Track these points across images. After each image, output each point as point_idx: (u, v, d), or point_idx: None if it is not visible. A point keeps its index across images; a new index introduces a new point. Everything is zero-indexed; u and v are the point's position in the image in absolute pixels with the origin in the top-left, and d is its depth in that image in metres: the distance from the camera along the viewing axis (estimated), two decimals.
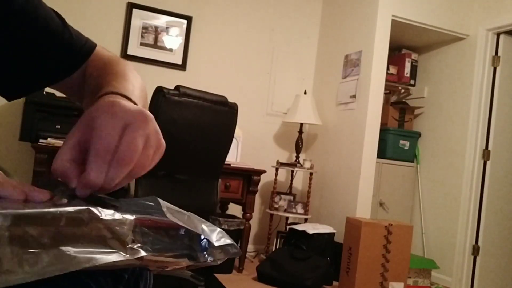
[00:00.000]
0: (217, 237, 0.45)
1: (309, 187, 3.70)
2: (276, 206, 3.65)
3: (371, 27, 3.46)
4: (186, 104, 2.24)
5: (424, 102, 4.05)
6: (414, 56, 4.09)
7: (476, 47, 3.58)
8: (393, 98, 4.22)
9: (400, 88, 4.16)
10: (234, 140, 2.93)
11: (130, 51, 3.56)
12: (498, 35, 3.54)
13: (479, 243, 3.47)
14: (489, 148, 3.51)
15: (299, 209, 3.61)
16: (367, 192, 3.41)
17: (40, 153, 2.62)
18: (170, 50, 3.69)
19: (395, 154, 3.91)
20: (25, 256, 0.31)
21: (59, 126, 2.88)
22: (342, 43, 3.82)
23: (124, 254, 0.36)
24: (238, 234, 3.20)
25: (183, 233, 0.42)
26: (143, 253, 0.38)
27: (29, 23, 0.61)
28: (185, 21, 3.72)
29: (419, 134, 4.03)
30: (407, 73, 4.06)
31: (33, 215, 0.33)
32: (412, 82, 4.10)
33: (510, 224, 3.57)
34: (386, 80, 3.58)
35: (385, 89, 3.62)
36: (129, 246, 0.37)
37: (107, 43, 3.50)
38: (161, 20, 3.65)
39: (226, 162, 2.62)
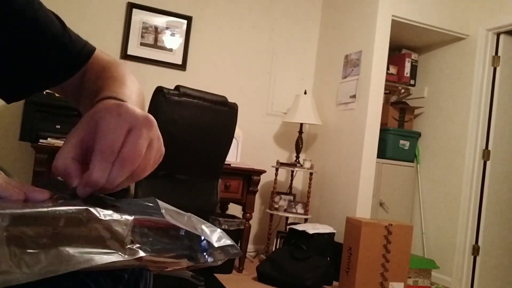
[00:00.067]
0: (217, 237, 0.45)
1: (309, 187, 3.70)
2: (276, 206, 3.65)
3: (371, 27, 3.46)
4: (186, 104, 2.24)
5: (424, 102, 4.05)
6: (414, 56, 4.09)
7: (476, 47, 3.58)
8: (393, 98, 4.22)
9: (400, 88, 4.16)
10: (234, 140, 2.93)
11: (130, 51, 3.56)
12: (498, 35, 3.54)
13: (479, 243, 3.47)
14: (489, 148, 3.51)
15: (299, 209, 3.61)
16: (367, 192, 3.41)
17: (40, 153, 2.62)
18: (170, 50, 3.69)
19: (395, 154, 3.91)
20: (23, 256, 0.31)
21: (59, 126, 2.88)
22: (342, 43, 3.82)
23: (122, 255, 0.36)
24: (238, 234, 3.20)
25: (183, 233, 0.42)
26: (142, 254, 0.38)
27: (28, 25, 0.61)
28: (185, 21, 3.72)
29: (419, 134, 4.03)
30: (407, 73, 4.06)
31: (31, 215, 0.33)
32: (412, 82, 4.10)
33: (510, 224, 3.57)
34: (386, 80, 3.58)
35: (385, 89, 3.62)
36: (128, 246, 0.37)
37: (107, 43, 3.51)
38: (161, 20, 3.65)
39: (226, 162, 2.62)
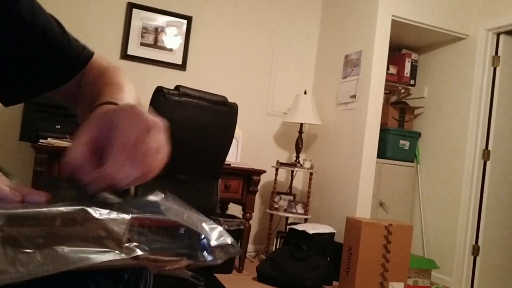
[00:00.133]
0: (217, 235, 0.45)
1: (309, 187, 3.70)
2: (276, 206, 3.65)
3: (371, 27, 3.46)
4: (186, 104, 2.24)
5: (424, 102, 4.05)
6: (414, 56, 4.09)
7: (476, 47, 3.58)
8: (393, 98, 4.22)
9: (400, 88, 4.16)
10: (234, 140, 2.93)
11: (130, 51, 3.56)
12: (498, 35, 3.54)
13: (479, 243, 3.47)
14: (489, 148, 3.51)
15: (299, 209, 3.61)
16: (367, 192, 3.41)
17: (40, 153, 2.62)
18: (170, 50, 3.69)
19: (395, 154, 3.91)
20: (18, 255, 0.31)
21: (59, 126, 2.88)
22: (342, 43, 3.83)
23: (119, 253, 0.36)
24: (238, 234, 3.20)
25: (182, 232, 0.42)
26: (139, 252, 0.37)
27: (28, 28, 0.61)
28: (185, 21, 3.72)
29: (419, 134, 4.03)
30: (407, 73, 4.06)
31: (26, 215, 0.33)
32: (412, 82, 4.10)
33: (510, 224, 3.57)
34: (386, 80, 3.58)
35: (385, 89, 3.62)
36: (125, 245, 0.37)
37: (107, 43, 3.51)
38: (161, 20, 3.65)
39: (226, 162, 2.62)
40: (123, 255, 0.36)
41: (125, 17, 3.56)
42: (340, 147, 3.66)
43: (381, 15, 3.42)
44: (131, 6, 3.55)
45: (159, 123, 0.45)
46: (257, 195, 3.43)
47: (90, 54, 0.68)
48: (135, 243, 0.38)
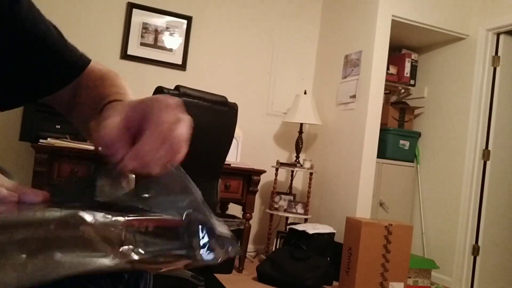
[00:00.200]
0: (218, 233, 0.44)
1: (309, 187, 3.70)
2: (276, 206, 3.65)
3: (371, 27, 3.46)
4: (186, 104, 2.22)
5: (424, 102, 4.05)
6: (414, 56, 4.09)
7: (476, 47, 3.58)
8: (393, 98, 4.22)
9: (400, 88, 4.16)
10: (234, 140, 2.93)
11: (130, 51, 3.56)
12: (498, 35, 3.54)
13: (479, 243, 3.47)
14: (489, 148, 3.51)
15: (299, 209, 3.61)
16: (367, 192, 3.41)
17: (40, 153, 2.62)
18: (170, 50, 3.69)
19: (395, 154, 3.91)
20: (10, 262, 0.30)
21: (59, 126, 2.88)
22: (342, 43, 3.83)
23: (114, 259, 0.35)
24: (238, 234, 3.20)
25: (182, 230, 0.41)
26: (134, 257, 0.37)
27: (27, 33, 0.61)
28: (185, 21, 3.72)
29: (419, 134, 4.03)
30: (407, 73, 4.06)
31: (19, 221, 0.32)
32: (412, 82, 4.10)
33: (510, 224, 3.57)
34: (386, 80, 3.58)
35: (385, 89, 3.62)
36: (120, 250, 0.36)
37: (107, 43, 3.51)
38: (161, 20, 3.65)
39: (226, 162, 2.62)
40: (117, 260, 0.35)
41: (125, 17, 3.56)
42: (340, 147, 3.66)
43: (381, 15, 3.42)
44: (131, 6, 3.55)
45: (186, 117, 0.46)
46: (257, 195, 3.43)
47: (87, 61, 0.69)
48: (130, 247, 0.37)
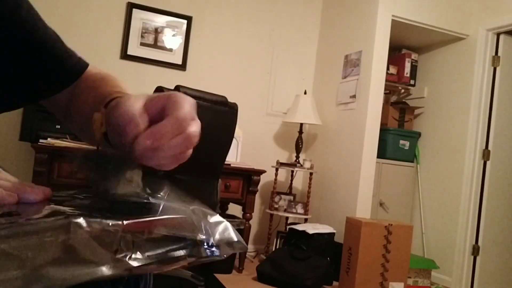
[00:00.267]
0: (222, 229, 0.44)
1: (309, 187, 3.70)
2: (276, 206, 3.65)
3: (371, 27, 3.46)
4: None
5: (424, 102, 4.05)
6: (414, 56, 4.09)
7: (476, 47, 3.58)
8: (393, 98, 4.22)
9: (400, 88, 4.16)
10: (234, 140, 2.93)
11: (130, 51, 3.56)
12: (498, 35, 3.54)
13: (479, 243, 3.47)
14: (489, 148, 3.51)
15: (299, 209, 3.61)
16: (367, 192, 3.41)
17: (40, 153, 2.62)
18: (170, 50, 3.69)
19: (395, 154, 3.91)
20: (1, 276, 0.29)
21: (59, 126, 2.88)
22: (342, 43, 3.83)
23: (110, 268, 0.34)
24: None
25: (183, 230, 0.41)
26: (132, 264, 0.35)
27: (27, 37, 0.61)
28: (185, 21, 3.72)
29: (419, 134, 4.03)
30: (407, 73, 4.06)
31: (9, 232, 0.30)
32: (412, 82, 4.10)
33: (510, 224, 3.57)
34: (386, 80, 3.58)
35: (385, 89, 3.62)
36: (117, 256, 0.34)
37: (107, 43, 3.51)
38: (161, 20, 3.65)
39: (226, 162, 2.62)
40: (114, 269, 0.34)
41: (125, 17, 3.56)
42: (340, 147, 3.66)
43: (381, 15, 3.42)
44: (131, 6, 3.55)
45: (198, 120, 0.47)
46: (257, 195, 3.43)
47: (85, 65, 0.69)
48: (128, 253, 0.35)
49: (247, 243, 3.32)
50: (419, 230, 3.83)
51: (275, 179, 3.72)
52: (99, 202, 0.43)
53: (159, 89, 2.19)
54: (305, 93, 3.84)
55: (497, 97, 3.51)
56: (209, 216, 0.44)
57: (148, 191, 0.45)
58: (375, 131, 3.42)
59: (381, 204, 3.86)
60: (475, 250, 3.48)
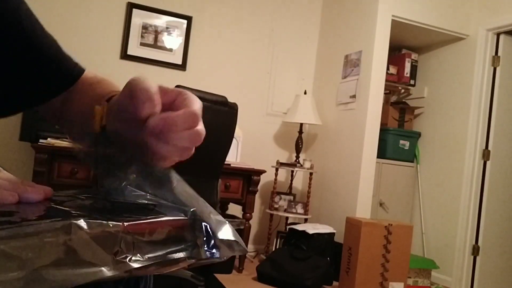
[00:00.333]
0: (222, 231, 0.44)
1: (309, 187, 3.70)
2: (276, 206, 3.65)
3: (371, 27, 3.46)
4: None
5: (424, 102, 4.05)
6: (414, 56, 4.09)
7: (476, 47, 3.58)
8: (393, 98, 4.22)
9: (400, 88, 4.16)
10: (234, 140, 2.93)
11: (130, 51, 3.56)
12: (498, 35, 3.54)
13: (479, 243, 3.47)
14: (489, 148, 3.51)
15: (299, 209, 3.61)
16: (367, 192, 3.41)
17: (40, 153, 2.62)
18: (170, 50, 3.69)
19: (395, 154, 3.91)
20: (1, 278, 0.28)
21: (58, 126, 2.87)
22: (342, 43, 3.83)
23: (110, 269, 0.33)
24: (238, 234, 3.19)
25: (184, 230, 0.41)
26: (132, 266, 0.35)
27: (26, 41, 0.61)
28: (185, 21, 3.72)
29: (419, 134, 4.03)
30: (407, 73, 4.06)
31: (9, 234, 0.30)
32: (412, 82, 4.10)
33: (510, 224, 3.57)
34: (386, 80, 3.58)
35: (385, 89, 3.62)
36: (117, 258, 0.34)
37: (107, 43, 3.51)
38: (161, 20, 3.65)
39: (226, 162, 2.62)
40: (114, 271, 0.33)
41: (125, 17, 3.56)
42: (340, 147, 3.66)
43: (381, 15, 3.42)
44: (131, 6, 3.55)
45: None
46: (257, 195, 3.43)
47: (82, 70, 0.69)
48: (128, 255, 0.35)
49: (247, 243, 3.32)
50: (419, 230, 3.83)
51: (275, 179, 3.72)
52: (99, 203, 0.43)
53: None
54: (305, 93, 3.84)
55: (497, 97, 3.51)
56: (211, 217, 0.44)
57: (152, 186, 0.45)
58: (375, 131, 3.42)
59: (381, 204, 3.86)
60: (475, 250, 3.48)
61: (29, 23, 0.62)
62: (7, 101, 0.66)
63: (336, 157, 3.69)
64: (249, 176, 3.22)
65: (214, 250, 0.42)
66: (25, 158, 3.22)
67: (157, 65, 3.64)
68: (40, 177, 2.60)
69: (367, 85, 3.43)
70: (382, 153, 3.77)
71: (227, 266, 3.16)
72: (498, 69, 3.53)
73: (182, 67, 3.71)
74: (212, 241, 0.42)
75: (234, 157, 3.39)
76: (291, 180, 3.89)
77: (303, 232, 3.24)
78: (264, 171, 3.28)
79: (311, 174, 3.69)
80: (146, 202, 0.43)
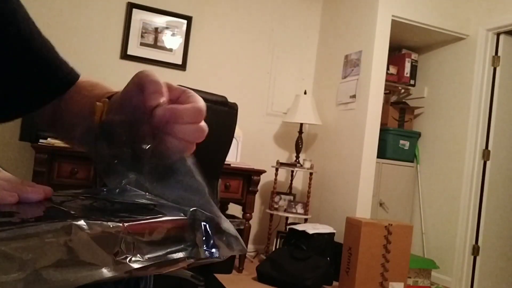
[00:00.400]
0: (227, 223, 0.44)
1: (309, 187, 3.70)
2: (276, 206, 3.65)
3: (371, 27, 3.47)
4: None
5: (424, 102, 4.05)
6: (414, 56, 4.09)
7: (476, 47, 3.58)
8: (393, 98, 4.22)
9: (400, 88, 4.16)
10: (234, 140, 2.93)
11: (130, 51, 3.56)
12: (498, 35, 3.54)
13: (479, 243, 3.47)
14: (489, 148, 3.51)
15: (299, 209, 3.61)
16: (367, 192, 3.41)
17: (40, 153, 2.62)
18: (170, 50, 3.69)
19: (395, 154, 3.91)
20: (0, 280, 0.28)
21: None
22: (342, 43, 3.83)
23: (111, 270, 0.33)
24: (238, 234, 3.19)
25: (187, 228, 0.41)
26: (132, 266, 0.35)
27: (23, 46, 0.61)
28: (185, 21, 3.72)
29: (419, 134, 4.03)
30: (407, 73, 4.06)
31: (9, 235, 0.30)
32: (412, 82, 4.10)
33: (510, 224, 3.57)
34: (386, 80, 3.58)
35: (385, 89, 3.62)
36: (117, 259, 0.34)
37: (107, 43, 3.51)
38: (161, 20, 3.65)
39: (226, 162, 2.62)
40: (114, 272, 0.33)
41: (125, 17, 3.56)
42: (340, 147, 3.66)
43: (381, 15, 3.42)
44: (131, 6, 3.55)
45: None
46: (257, 195, 3.43)
47: (77, 75, 0.69)
48: (128, 255, 0.35)
49: (247, 243, 3.32)
50: (419, 230, 3.83)
51: (275, 179, 3.72)
52: (99, 203, 0.43)
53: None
54: (305, 93, 3.84)
55: (497, 97, 3.51)
56: (213, 211, 0.44)
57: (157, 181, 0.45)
58: (375, 131, 3.43)
59: (381, 204, 3.86)
60: (475, 250, 3.48)
61: (26, 26, 0.61)
62: (3, 107, 0.65)
63: (336, 157, 3.69)
64: (249, 176, 3.22)
65: (213, 250, 0.42)
66: (25, 158, 3.22)
67: (157, 65, 3.63)
68: (40, 177, 2.60)
69: (367, 85, 3.43)
70: (382, 153, 3.77)
71: (227, 266, 3.16)
72: (498, 69, 3.53)
73: (182, 67, 3.71)
74: (212, 241, 0.42)
75: (234, 157, 3.39)
76: (291, 180, 3.89)
77: (303, 232, 3.24)
78: (264, 171, 3.28)
79: (311, 174, 3.69)
80: (146, 202, 0.43)
